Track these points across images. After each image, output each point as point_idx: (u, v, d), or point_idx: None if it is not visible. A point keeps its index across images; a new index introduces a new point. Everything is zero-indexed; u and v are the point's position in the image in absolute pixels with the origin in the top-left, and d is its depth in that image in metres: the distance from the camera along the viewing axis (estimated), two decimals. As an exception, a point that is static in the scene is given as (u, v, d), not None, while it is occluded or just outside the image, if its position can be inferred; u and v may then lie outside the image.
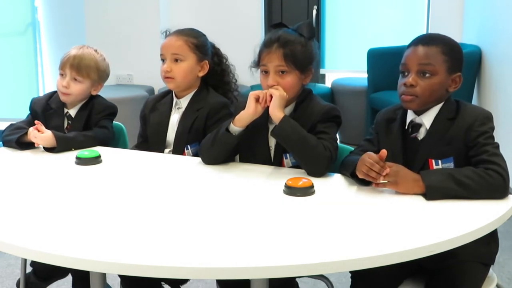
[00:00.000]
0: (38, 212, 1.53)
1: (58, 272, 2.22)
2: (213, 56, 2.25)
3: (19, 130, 2.17)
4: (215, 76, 2.25)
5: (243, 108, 1.90)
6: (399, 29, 5.08)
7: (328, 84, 5.26)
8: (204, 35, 2.25)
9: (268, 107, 1.87)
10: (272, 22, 4.73)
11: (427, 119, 1.74)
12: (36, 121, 2.14)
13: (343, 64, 5.35)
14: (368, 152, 1.66)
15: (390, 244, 1.31)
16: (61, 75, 2.25)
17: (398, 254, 1.28)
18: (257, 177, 1.83)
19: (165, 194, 1.70)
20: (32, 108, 2.33)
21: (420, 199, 1.57)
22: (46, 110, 2.30)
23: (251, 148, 1.96)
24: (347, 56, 5.32)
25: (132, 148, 2.30)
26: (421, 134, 1.75)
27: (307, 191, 1.63)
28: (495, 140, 1.66)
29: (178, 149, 2.16)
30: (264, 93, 1.87)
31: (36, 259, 1.36)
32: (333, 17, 5.23)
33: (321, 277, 1.97)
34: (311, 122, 1.88)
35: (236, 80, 2.30)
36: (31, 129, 2.12)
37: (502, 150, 1.64)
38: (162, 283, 2.05)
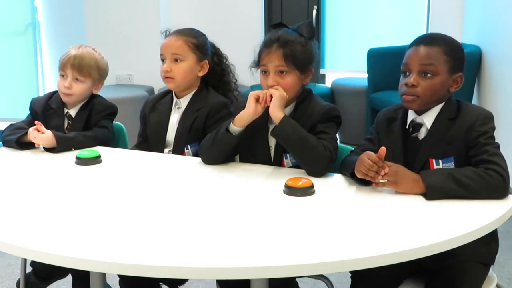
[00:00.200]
0: (38, 212, 1.54)
1: (58, 272, 2.22)
2: (213, 56, 2.25)
3: (19, 130, 2.17)
4: (215, 76, 2.25)
5: (243, 108, 1.90)
6: (399, 29, 5.08)
7: (328, 84, 5.26)
8: (204, 35, 2.25)
9: (268, 107, 1.87)
10: (272, 22, 4.74)
11: (428, 119, 1.74)
12: (36, 122, 2.14)
13: (343, 64, 5.35)
14: (367, 152, 1.65)
15: (390, 244, 1.31)
16: (62, 76, 2.25)
17: (398, 254, 1.28)
18: (257, 177, 1.83)
19: (165, 194, 1.70)
20: (32, 108, 2.33)
21: (420, 199, 1.57)
22: (46, 110, 2.30)
23: (251, 148, 1.96)
24: (347, 56, 5.32)
25: (132, 148, 2.30)
26: (422, 134, 1.75)
27: (307, 191, 1.63)
28: (496, 140, 1.66)
29: (178, 149, 2.16)
30: (264, 93, 1.87)
31: (36, 259, 1.36)
32: (333, 17, 5.23)
33: (321, 277, 1.97)
34: (311, 122, 1.88)
35: (236, 80, 2.30)
36: (31, 129, 2.12)
37: (502, 150, 1.64)
38: (161, 283, 2.04)
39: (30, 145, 2.14)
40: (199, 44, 2.18)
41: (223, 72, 2.27)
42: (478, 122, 1.67)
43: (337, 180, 1.78)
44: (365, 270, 1.29)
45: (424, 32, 4.95)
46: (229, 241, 1.35)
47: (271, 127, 1.90)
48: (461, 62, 1.75)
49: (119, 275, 2.00)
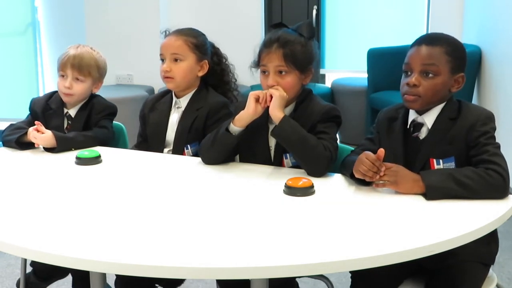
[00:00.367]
0: (38, 212, 1.53)
1: (58, 272, 2.22)
2: (212, 55, 2.25)
3: (19, 130, 2.17)
4: (215, 76, 2.25)
5: (243, 108, 1.90)
6: (399, 29, 5.08)
7: (328, 84, 5.26)
8: (204, 35, 2.24)
9: (268, 107, 1.87)
10: (272, 22, 4.74)
11: (429, 119, 1.74)
12: (36, 122, 2.14)
13: (343, 64, 5.35)
14: (366, 152, 1.65)
15: (390, 244, 1.31)
16: (62, 76, 2.24)
17: (398, 254, 1.28)
18: (257, 177, 1.83)
19: (165, 194, 1.70)
20: (32, 108, 2.33)
21: (420, 199, 1.57)
22: (45, 110, 2.30)
23: (251, 148, 1.96)
24: (347, 56, 5.32)
25: (131, 148, 2.30)
26: (423, 134, 1.75)
27: (307, 191, 1.63)
28: (496, 140, 1.66)
29: (178, 149, 2.16)
30: (264, 93, 1.87)
31: (36, 259, 1.36)
32: (333, 17, 5.23)
33: (321, 277, 1.97)
34: (311, 122, 1.88)
35: (236, 80, 2.30)
36: (30, 129, 2.12)
37: (502, 150, 1.64)
38: (156, 285, 2.03)
39: (29, 145, 2.14)
40: (198, 44, 2.18)
41: (223, 72, 2.27)
42: (479, 122, 1.66)
43: (337, 180, 1.78)
44: (365, 270, 1.29)
45: (424, 32, 4.95)
46: (229, 241, 1.35)
47: (271, 127, 1.90)
48: (463, 62, 1.75)
49: (116, 275, 2.00)
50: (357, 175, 1.65)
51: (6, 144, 2.17)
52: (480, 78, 4.34)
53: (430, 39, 1.75)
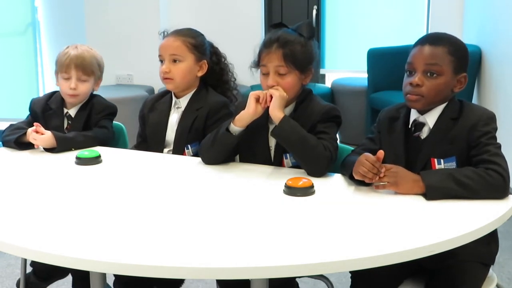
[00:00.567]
0: (38, 212, 1.53)
1: (58, 272, 2.22)
2: (211, 55, 2.25)
3: (19, 130, 2.17)
4: (214, 76, 2.25)
5: (243, 108, 1.90)
6: (399, 29, 5.08)
7: (328, 84, 5.26)
8: (202, 35, 2.24)
9: (268, 107, 1.86)
10: (272, 22, 4.73)
11: (430, 118, 1.74)
12: (35, 123, 2.14)
13: (343, 64, 5.35)
14: (365, 154, 1.65)
15: (390, 244, 1.31)
16: (66, 78, 2.23)
17: (398, 254, 1.28)
18: (257, 177, 1.83)
19: (165, 194, 1.70)
20: (31, 108, 2.33)
21: (420, 199, 1.57)
22: (45, 110, 2.30)
23: (251, 148, 1.96)
24: (347, 56, 5.32)
25: (131, 149, 2.30)
26: (424, 133, 1.75)
27: (307, 191, 1.63)
28: (497, 141, 1.66)
29: (178, 149, 2.16)
30: (264, 93, 1.87)
31: (36, 259, 1.36)
32: (333, 17, 5.23)
33: (321, 277, 1.97)
34: (311, 122, 1.88)
35: (235, 79, 2.30)
36: (29, 130, 2.12)
37: (502, 150, 1.64)
38: (155, 287, 2.03)
39: (29, 145, 2.14)
40: (197, 44, 2.18)
41: (222, 71, 2.27)
42: (481, 122, 1.66)
43: (337, 180, 1.78)
44: (365, 270, 1.29)
45: (424, 32, 4.95)
46: (229, 241, 1.35)
47: (271, 127, 1.90)
48: (465, 63, 1.76)
49: (115, 276, 2.00)
50: (356, 177, 1.65)
51: (6, 144, 2.17)
52: (480, 78, 4.34)
53: (433, 39, 1.74)
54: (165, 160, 2.07)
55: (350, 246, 1.31)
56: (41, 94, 3.93)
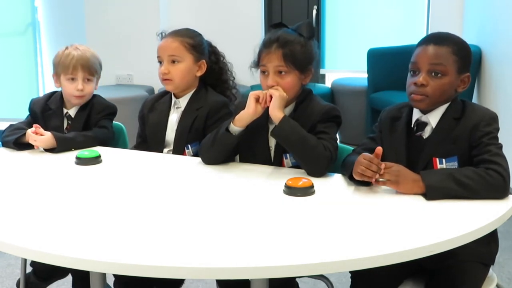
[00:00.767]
0: (38, 212, 1.53)
1: (58, 272, 2.22)
2: (210, 54, 2.25)
3: (18, 131, 2.17)
4: (213, 75, 2.25)
5: (243, 108, 1.90)
6: (399, 29, 5.08)
7: (328, 84, 5.25)
8: (200, 35, 2.24)
9: (268, 107, 1.86)
10: (272, 22, 4.73)
11: (433, 118, 1.74)
12: (34, 125, 2.14)
13: (343, 64, 5.35)
14: (363, 154, 1.65)
15: (390, 244, 1.31)
16: (72, 79, 2.22)
17: (398, 254, 1.28)
18: (257, 177, 1.83)
19: (165, 194, 1.70)
20: (31, 109, 2.33)
21: (420, 199, 1.57)
22: (45, 110, 2.30)
23: (251, 148, 1.96)
24: (347, 56, 5.32)
25: (131, 149, 2.30)
26: (427, 133, 1.75)
27: (307, 191, 1.63)
28: (499, 141, 1.66)
29: (178, 149, 2.16)
30: (264, 93, 1.87)
31: (36, 259, 1.36)
32: (333, 17, 5.23)
33: (321, 277, 1.97)
34: (311, 122, 1.88)
35: (234, 78, 2.30)
36: (29, 131, 2.12)
37: (503, 150, 1.64)
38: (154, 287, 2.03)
39: (28, 146, 2.14)
40: (195, 44, 2.18)
41: (221, 70, 2.27)
42: (483, 122, 1.66)
43: (337, 180, 1.78)
44: (365, 270, 1.29)
45: (424, 32, 4.95)
46: (229, 241, 1.35)
47: (271, 127, 1.90)
48: (468, 62, 1.76)
49: (114, 276, 2.00)
50: (357, 177, 1.65)
51: (6, 144, 2.17)
52: (480, 78, 4.34)
53: (437, 39, 1.74)
54: (165, 160, 2.07)
55: (350, 246, 1.31)
56: (41, 94, 3.93)
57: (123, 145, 2.36)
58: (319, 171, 1.79)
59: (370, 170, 1.60)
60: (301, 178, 1.68)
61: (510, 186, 1.58)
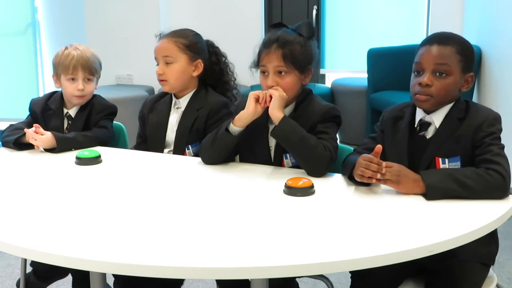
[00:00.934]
0: (38, 212, 1.53)
1: (58, 272, 2.22)
2: (211, 55, 2.24)
3: (18, 131, 2.17)
4: (213, 76, 2.25)
5: (243, 108, 1.90)
6: (399, 29, 5.07)
7: (328, 84, 5.25)
8: (197, 34, 2.24)
9: (268, 107, 1.86)
10: (272, 22, 4.73)
11: (437, 118, 1.73)
12: (34, 125, 2.14)
13: (343, 64, 5.34)
14: (363, 155, 1.65)
15: (390, 244, 1.31)
16: (72, 79, 2.23)
17: (398, 254, 1.28)
18: (257, 177, 1.83)
19: (165, 194, 1.70)
20: (31, 109, 2.33)
21: (420, 199, 1.57)
22: (45, 110, 2.30)
23: (251, 148, 1.96)
24: (347, 56, 5.31)
25: (131, 149, 2.30)
26: (430, 133, 1.75)
27: (307, 191, 1.63)
28: (501, 142, 1.66)
29: (179, 149, 2.16)
30: (264, 94, 1.87)
31: (36, 259, 1.36)
32: (333, 17, 5.23)
33: (321, 277, 1.97)
34: (311, 122, 1.88)
35: (235, 79, 2.30)
36: (28, 130, 2.12)
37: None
38: None
39: (28, 146, 2.14)
40: (190, 44, 2.17)
41: (222, 71, 2.27)
42: (486, 122, 1.66)
43: (337, 180, 1.78)
44: (365, 270, 1.29)
45: (424, 31, 4.95)
46: (229, 241, 1.35)
47: (271, 127, 1.90)
48: (472, 62, 1.76)
49: (114, 276, 2.00)
50: (358, 179, 1.64)
51: (6, 144, 2.17)
52: (480, 78, 4.34)
53: (441, 39, 1.73)
54: (165, 160, 2.07)
55: (350, 246, 1.31)
56: (41, 94, 3.93)
57: (123, 145, 2.36)
58: (319, 171, 1.79)
59: (370, 170, 1.60)
60: (301, 178, 1.68)
61: (510, 186, 1.58)
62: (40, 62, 5.23)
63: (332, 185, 1.75)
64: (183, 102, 2.20)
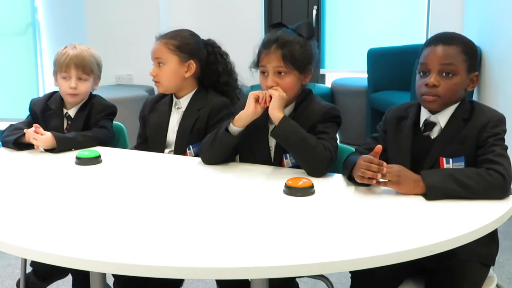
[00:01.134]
0: (38, 212, 1.54)
1: (58, 272, 2.22)
2: (209, 55, 2.24)
3: (18, 131, 2.17)
4: (210, 76, 2.24)
5: (243, 108, 1.90)
6: (399, 29, 5.07)
7: (328, 84, 5.25)
8: (193, 35, 2.23)
9: (268, 107, 1.86)
10: (272, 22, 4.73)
11: (442, 118, 1.73)
12: (34, 125, 2.14)
13: (343, 64, 5.34)
14: (362, 156, 1.65)
15: (390, 244, 1.31)
16: (65, 77, 2.24)
17: (398, 254, 1.28)
18: (257, 177, 1.83)
19: (165, 194, 1.70)
20: (31, 109, 2.34)
21: (420, 199, 1.57)
22: (45, 111, 2.30)
23: (251, 148, 1.96)
24: (347, 56, 5.31)
25: (131, 149, 2.30)
26: (435, 133, 1.74)
27: (307, 191, 1.63)
28: (505, 143, 1.66)
29: (179, 150, 2.16)
30: (264, 94, 1.87)
31: (36, 259, 1.36)
32: (333, 17, 5.23)
33: (321, 277, 1.97)
34: (311, 122, 1.88)
35: (237, 79, 2.29)
36: (28, 130, 2.12)
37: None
38: None
39: (28, 146, 2.14)
40: (180, 45, 2.17)
41: (219, 72, 2.25)
42: (491, 123, 1.66)
43: (337, 180, 1.78)
44: (365, 270, 1.29)
45: (424, 32, 4.95)
46: (229, 241, 1.35)
47: (271, 127, 1.90)
48: (476, 61, 1.76)
49: (114, 276, 2.00)
50: (358, 181, 1.64)
51: (6, 144, 2.17)
52: (480, 78, 4.33)
53: (446, 39, 1.73)
54: (165, 160, 2.07)
55: (350, 246, 1.31)
56: (41, 94, 3.93)
57: (123, 145, 2.36)
58: (319, 171, 1.79)
59: (370, 171, 1.60)
60: (301, 178, 1.68)
61: (510, 186, 1.58)
62: (40, 62, 5.23)
63: (332, 185, 1.75)
64: (184, 102, 2.20)
